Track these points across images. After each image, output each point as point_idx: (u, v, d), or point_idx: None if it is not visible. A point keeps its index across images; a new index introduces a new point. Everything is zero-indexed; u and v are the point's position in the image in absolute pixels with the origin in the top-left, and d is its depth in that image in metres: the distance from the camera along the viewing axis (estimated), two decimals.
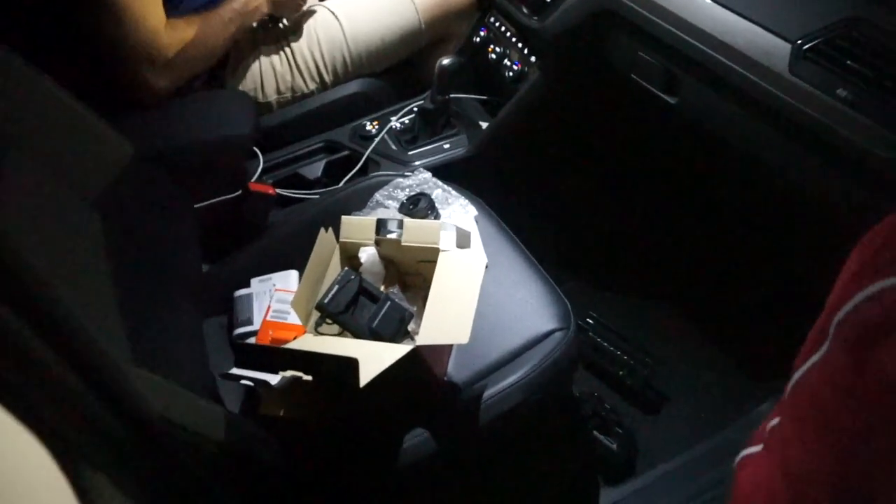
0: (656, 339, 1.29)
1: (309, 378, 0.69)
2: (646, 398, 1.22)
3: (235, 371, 0.77)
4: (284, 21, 1.30)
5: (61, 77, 0.78)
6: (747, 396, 1.21)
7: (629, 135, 1.33)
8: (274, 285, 1.04)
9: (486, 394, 0.85)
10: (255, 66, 1.27)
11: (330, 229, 0.91)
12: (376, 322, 0.86)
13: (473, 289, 0.80)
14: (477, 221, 1.07)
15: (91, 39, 1.06)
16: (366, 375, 0.66)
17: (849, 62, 0.76)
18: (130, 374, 0.49)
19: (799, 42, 0.79)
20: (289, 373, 0.70)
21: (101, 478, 0.39)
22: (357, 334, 0.87)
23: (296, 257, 0.98)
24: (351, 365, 0.65)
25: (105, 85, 1.08)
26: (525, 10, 1.20)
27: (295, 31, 1.30)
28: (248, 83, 1.27)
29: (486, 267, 0.99)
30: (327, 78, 1.33)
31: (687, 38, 0.90)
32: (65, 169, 0.74)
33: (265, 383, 0.75)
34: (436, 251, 0.87)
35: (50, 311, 0.40)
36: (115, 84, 1.10)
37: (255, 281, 1.05)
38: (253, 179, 1.17)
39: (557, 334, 0.91)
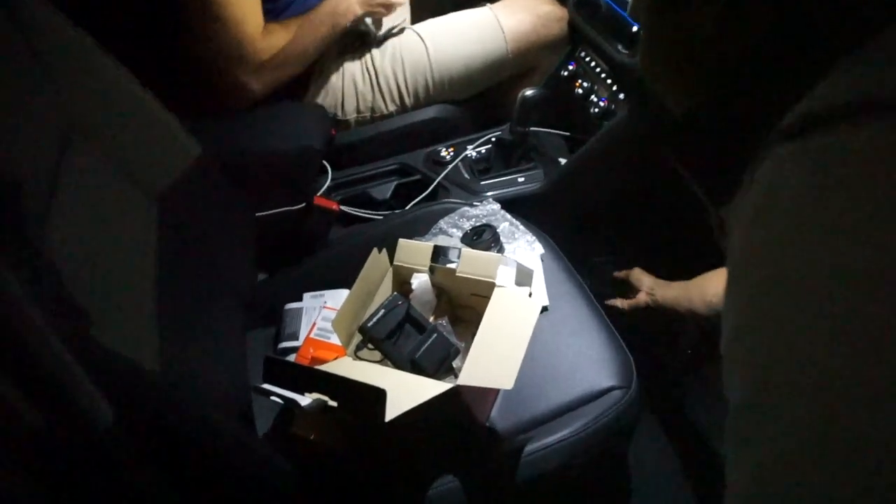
0: None
1: (335, 404, 0.65)
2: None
3: (267, 386, 0.74)
4: (371, 33, 1.29)
5: (151, 73, 0.80)
6: None
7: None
8: (325, 302, 1.01)
9: (529, 448, 0.78)
10: (338, 82, 1.28)
11: (384, 251, 0.87)
12: (419, 353, 0.81)
13: (525, 331, 0.73)
14: (543, 260, 1.01)
15: (188, 40, 1.09)
16: (393, 410, 0.60)
17: None
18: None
19: None
20: (315, 395, 0.65)
21: None
22: (397, 364, 0.82)
23: (351, 276, 0.95)
24: (378, 396, 0.59)
25: (195, 86, 1.11)
26: (620, 47, 1.14)
27: (381, 52, 1.30)
28: (330, 99, 1.28)
29: (546, 309, 0.93)
30: (408, 101, 1.31)
31: None
32: (129, 161, 0.75)
33: (295, 403, 0.71)
34: (491, 286, 0.82)
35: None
36: (207, 85, 1.13)
37: (307, 296, 1.03)
38: (318, 194, 1.16)
39: (616, 393, 0.83)
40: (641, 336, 0.99)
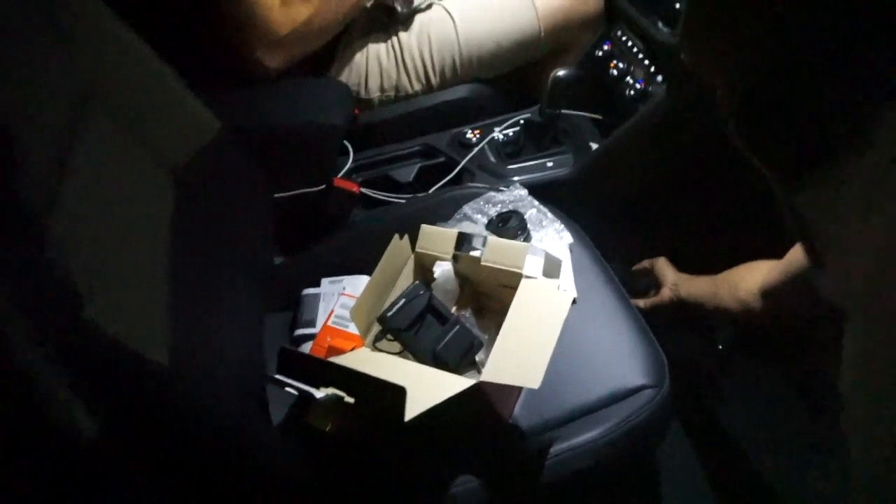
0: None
1: (351, 400, 0.61)
2: None
3: (281, 377, 0.70)
4: (397, 8, 1.24)
5: (167, 46, 0.76)
6: None
7: (759, 172, 1.17)
8: (343, 288, 0.98)
9: (554, 448, 0.73)
10: (361, 59, 1.23)
11: (405, 237, 0.83)
12: (441, 346, 0.77)
13: (554, 326, 0.69)
14: (571, 250, 0.96)
15: (204, 13, 1.05)
16: (414, 408, 0.57)
17: None
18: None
19: None
20: (330, 390, 0.62)
21: None
22: (418, 356, 0.78)
23: (371, 262, 0.92)
24: (397, 394, 0.56)
25: (214, 59, 1.07)
26: (660, 24, 1.08)
27: (407, 28, 1.25)
28: (353, 77, 1.23)
29: (574, 302, 0.88)
30: (434, 80, 1.26)
31: None
32: (145, 133, 0.71)
33: (310, 395, 0.68)
34: (518, 276, 0.77)
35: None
36: (222, 60, 1.09)
37: (325, 281, 1.00)
38: (339, 175, 1.12)
39: (648, 392, 0.78)
40: (671, 333, 0.94)
